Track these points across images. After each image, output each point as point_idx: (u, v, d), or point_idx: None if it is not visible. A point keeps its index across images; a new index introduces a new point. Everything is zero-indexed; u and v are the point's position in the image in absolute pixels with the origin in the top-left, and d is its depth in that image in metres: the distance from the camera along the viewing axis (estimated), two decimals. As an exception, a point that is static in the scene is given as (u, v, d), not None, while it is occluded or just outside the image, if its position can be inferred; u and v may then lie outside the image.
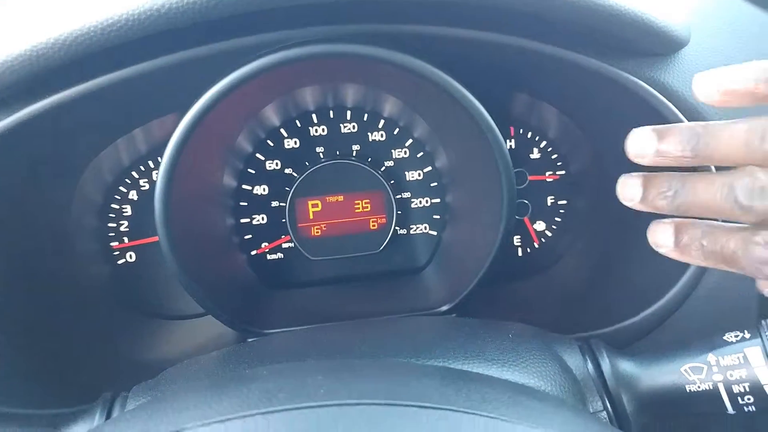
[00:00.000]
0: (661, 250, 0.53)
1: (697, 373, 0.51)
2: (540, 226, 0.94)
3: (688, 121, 0.66)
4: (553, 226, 0.94)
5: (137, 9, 0.53)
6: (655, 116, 0.67)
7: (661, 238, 0.53)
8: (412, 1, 0.63)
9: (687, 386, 0.51)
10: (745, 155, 0.45)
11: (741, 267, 0.48)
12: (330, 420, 0.36)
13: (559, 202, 0.93)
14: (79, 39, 0.52)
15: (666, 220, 0.53)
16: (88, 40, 0.52)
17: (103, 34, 0.52)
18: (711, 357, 0.51)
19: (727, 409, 0.51)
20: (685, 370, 0.52)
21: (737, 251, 0.47)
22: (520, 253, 0.94)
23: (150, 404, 0.43)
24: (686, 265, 0.69)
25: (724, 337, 0.52)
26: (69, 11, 0.54)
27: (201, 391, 0.43)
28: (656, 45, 0.66)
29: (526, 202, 0.92)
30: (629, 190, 0.52)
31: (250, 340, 0.75)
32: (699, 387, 0.51)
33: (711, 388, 0.50)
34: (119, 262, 0.87)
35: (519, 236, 0.94)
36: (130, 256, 0.87)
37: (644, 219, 0.78)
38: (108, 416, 0.53)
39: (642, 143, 0.50)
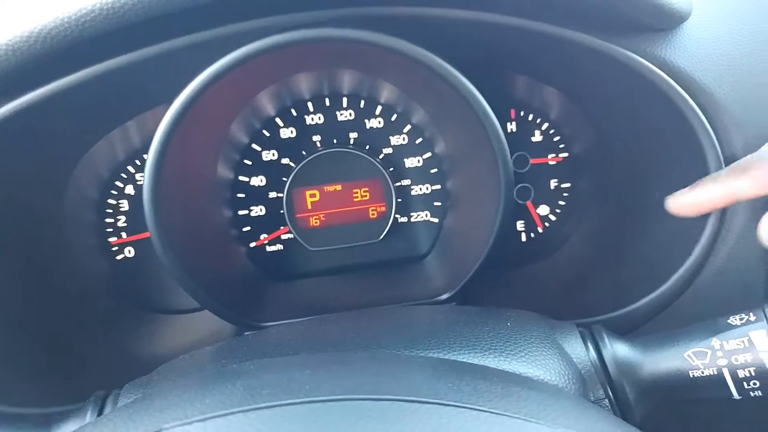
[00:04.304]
0: None
1: (701, 358, 0.49)
2: (543, 210, 0.92)
3: (691, 97, 0.64)
4: (557, 210, 0.92)
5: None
6: (657, 94, 0.65)
7: None
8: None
9: (691, 372, 0.50)
10: None
11: None
12: (312, 417, 0.35)
13: (563, 186, 0.91)
14: (53, 32, 0.50)
15: None
16: (63, 32, 0.51)
17: (77, 25, 0.50)
18: (715, 341, 0.49)
19: (732, 395, 0.49)
20: (689, 356, 0.50)
21: None
22: (523, 239, 0.93)
23: (134, 403, 0.43)
24: (691, 248, 0.67)
25: (729, 321, 0.50)
26: (43, 3, 0.52)
27: (185, 388, 0.42)
28: (656, 20, 0.63)
29: (528, 186, 0.90)
30: None
31: (247, 333, 0.74)
32: (703, 372, 0.49)
33: (715, 373, 0.49)
34: (118, 257, 0.86)
35: (522, 221, 0.92)
36: (129, 252, 0.87)
37: (648, 202, 0.77)
38: (100, 415, 0.53)
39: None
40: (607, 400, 0.51)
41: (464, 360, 0.49)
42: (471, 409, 0.37)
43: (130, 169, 0.84)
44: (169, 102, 0.65)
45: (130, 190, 0.85)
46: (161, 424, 0.36)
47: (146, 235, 0.85)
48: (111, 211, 0.85)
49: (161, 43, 0.61)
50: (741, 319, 0.49)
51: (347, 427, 0.34)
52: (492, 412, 0.37)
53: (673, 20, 0.64)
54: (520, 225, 0.92)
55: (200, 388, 0.41)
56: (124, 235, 0.86)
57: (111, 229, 0.86)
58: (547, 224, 0.92)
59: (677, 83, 0.64)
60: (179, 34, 0.61)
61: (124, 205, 0.85)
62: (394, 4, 0.64)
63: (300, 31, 0.63)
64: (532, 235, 0.93)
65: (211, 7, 0.57)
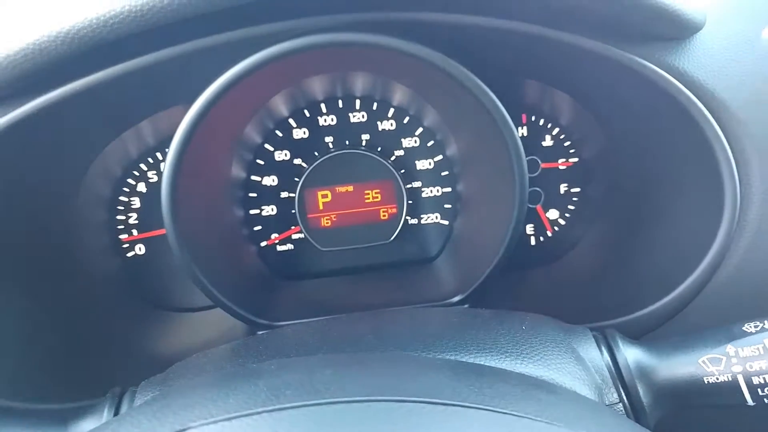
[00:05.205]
0: None
1: (716, 364, 0.50)
2: (553, 214, 0.92)
3: (704, 105, 0.65)
4: (567, 215, 0.92)
5: (139, 1, 0.52)
6: (670, 101, 0.66)
7: None
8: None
9: (705, 378, 0.50)
10: None
11: None
12: (338, 418, 0.35)
13: (573, 190, 0.91)
14: (81, 32, 0.51)
15: None
16: (91, 33, 0.51)
17: (105, 26, 0.51)
18: (730, 348, 0.50)
19: (746, 401, 0.49)
20: (703, 362, 0.50)
21: None
22: (533, 242, 0.93)
23: (156, 401, 0.43)
24: (703, 254, 0.67)
25: (744, 328, 0.50)
26: (70, 4, 0.53)
27: (207, 387, 0.42)
28: (670, 29, 0.64)
29: (538, 190, 0.91)
30: None
31: (260, 332, 0.75)
32: (718, 378, 0.49)
33: (730, 379, 0.49)
34: (129, 254, 0.87)
35: (532, 225, 0.92)
36: (140, 249, 0.87)
37: (658, 206, 0.77)
38: (116, 412, 0.53)
39: None
40: (621, 405, 0.52)
41: (481, 362, 0.50)
42: (495, 411, 0.37)
43: (143, 166, 0.85)
44: (185, 102, 0.66)
45: (142, 187, 0.85)
46: (187, 422, 0.36)
47: (157, 232, 0.86)
48: (122, 208, 0.86)
49: (181, 45, 0.61)
50: (756, 327, 0.50)
51: (373, 428, 0.35)
52: (515, 415, 0.38)
53: (687, 30, 0.64)
54: (529, 228, 0.93)
55: (223, 387, 0.41)
56: (135, 232, 0.87)
57: (122, 227, 0.86)
58: (556, 228, 0.93)
59: (690, 92, 0.65)
60: (200, 36, 0.62)
61: (136, 202, 0.86)
62: (409, 9, 0.64)
63: (318, 36, 0.63)
64: (542, 238, 0.93)
65: (231, 11, 0.58)
